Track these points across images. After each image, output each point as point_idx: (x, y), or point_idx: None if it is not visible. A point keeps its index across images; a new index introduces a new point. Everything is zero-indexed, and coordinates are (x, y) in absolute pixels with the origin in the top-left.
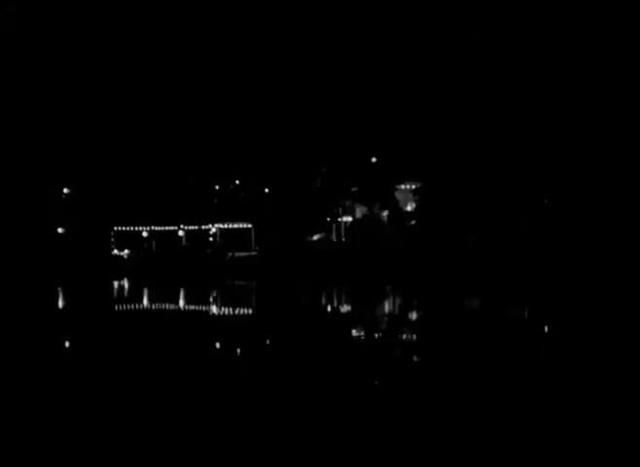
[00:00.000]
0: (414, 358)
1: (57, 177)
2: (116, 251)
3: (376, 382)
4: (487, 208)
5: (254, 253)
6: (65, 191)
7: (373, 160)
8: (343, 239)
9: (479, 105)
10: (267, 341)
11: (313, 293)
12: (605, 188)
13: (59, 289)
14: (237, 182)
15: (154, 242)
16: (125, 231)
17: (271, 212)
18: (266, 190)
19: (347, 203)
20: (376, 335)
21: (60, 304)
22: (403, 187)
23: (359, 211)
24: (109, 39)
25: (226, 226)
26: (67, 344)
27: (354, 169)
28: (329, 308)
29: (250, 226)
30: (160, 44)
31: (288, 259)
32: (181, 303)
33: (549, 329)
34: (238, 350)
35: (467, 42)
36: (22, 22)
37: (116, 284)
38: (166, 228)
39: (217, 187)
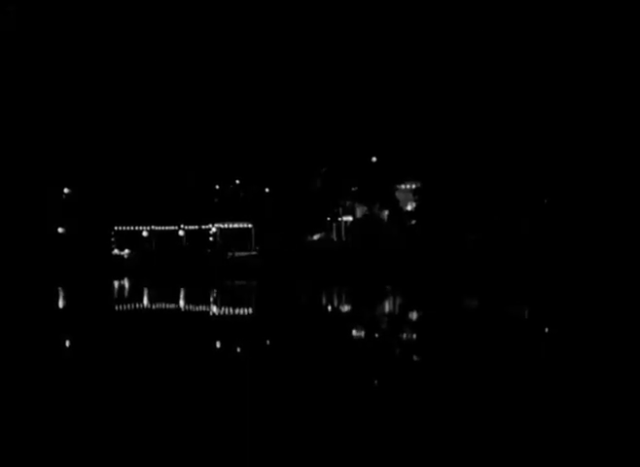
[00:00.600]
0: (414, 358)
1: (57, 177)
2: (116, 251)
3: (376, 382)
4: (487, 208)
5: (254, 253)
6: (65, 191)
7: (374, 160)
8: (343, 239)
9: (479, 105)
10: (267, 341)
11: (313, 293)
12: (605, 188)
13: (59, 289)
14: (237, 182)
15: (154, 242)
16: (126, 230)
17: (271, 212)
18: (267, 190)
19: (347, 203)
20: (376, 335)
21: (61, 303)
22: (403, 187)
23: (359, 211)
24: (109, 39)
25: (226, 226)
26: (67, 344)
27: (354, 169)
28: (329, 308)
29: (250, 226)
30: (160, 44)
31: (288, 259)
32: (181, 302)
33: (548, 329)
34: (238, 350)
35: (467, 42)
36: (22, 22)
37: (116, 284)
38: (166, 228)
39: (217, 187)
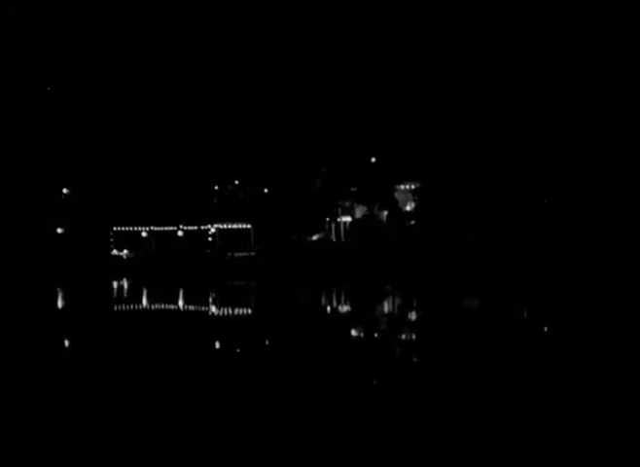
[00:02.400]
0: (414, 358)
1: (57, 177)
2: (115, 251)
3: (375, 382)
4: (487, 208)
5: (253, 253)
6: (65, 191)
7: (373, 160)
8: (343, 240)
9: (478, 105)
10: (267, 342)
11: (313, 293)
12: (604, 188)
13: (59, 289)
14: (237, 182)
15: (153, 243)
16: (125, 231)
17: (271, 212)
18: (266, 190)
19: (347, 203)
20: (376, 335)
21: (60, 304)
22: (402, 187)
23: (359, 211)
24: (109, 39)
25: (225, 226)
26: (67, 344)
27: (354, 169)
28: (328, 309)
29: (249, 226)
30: (160, 44)
31: (288, 259)
32: (180, 303)
33: (548, 329)
34: (238, 350)
35: (466, 43)
36: (22, 22)
37: (115, 284)
38: (166, 228)
39: (216, 187)
